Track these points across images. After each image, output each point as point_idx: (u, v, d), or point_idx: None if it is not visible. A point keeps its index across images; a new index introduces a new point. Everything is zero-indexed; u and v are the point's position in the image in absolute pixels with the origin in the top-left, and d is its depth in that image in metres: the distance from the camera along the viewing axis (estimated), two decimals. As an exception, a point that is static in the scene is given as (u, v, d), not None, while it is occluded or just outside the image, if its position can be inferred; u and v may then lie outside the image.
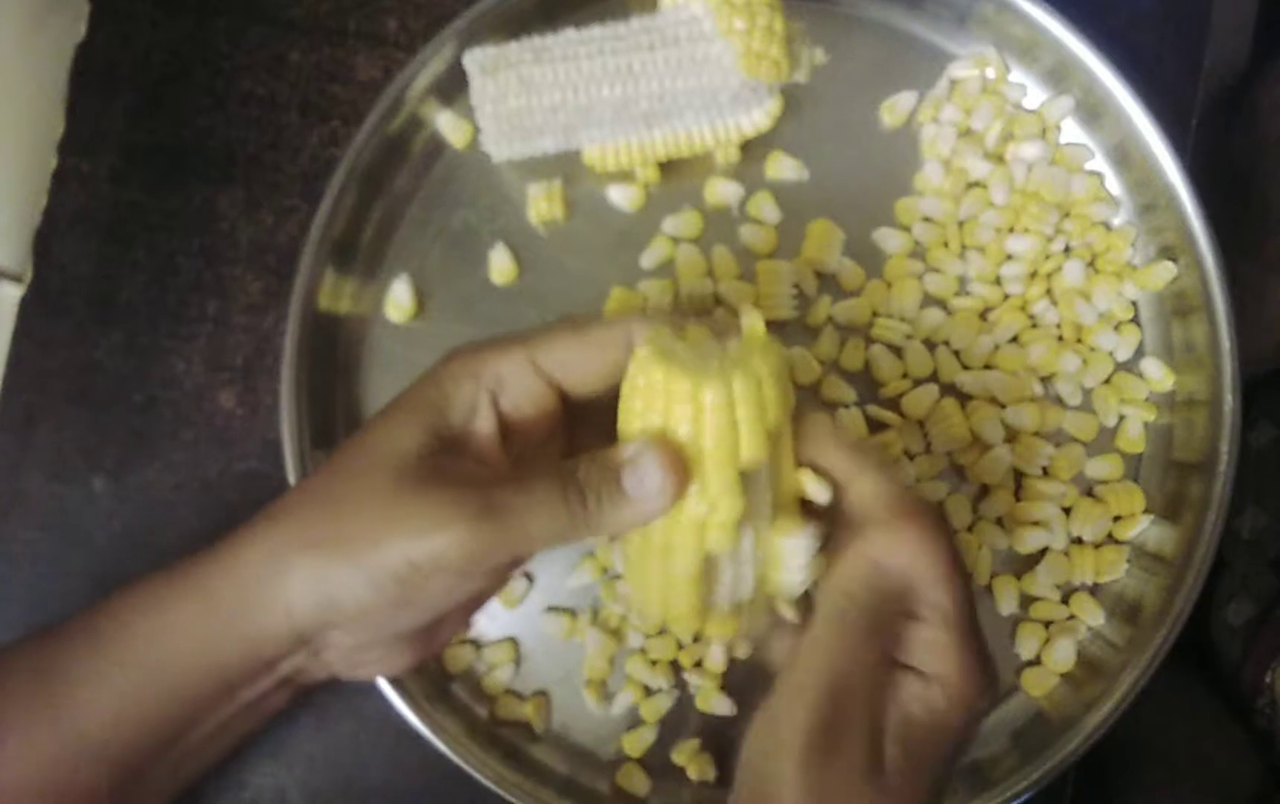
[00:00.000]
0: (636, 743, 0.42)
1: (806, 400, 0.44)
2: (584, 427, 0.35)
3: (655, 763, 0.42)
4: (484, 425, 0.32)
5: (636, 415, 0.31)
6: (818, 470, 0.32)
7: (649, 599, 0.33)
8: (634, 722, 0.43)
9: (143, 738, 0.32)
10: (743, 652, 0.42)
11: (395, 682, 0.40)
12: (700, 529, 0.30)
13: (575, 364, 0.32)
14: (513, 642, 0.43)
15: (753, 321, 0.35)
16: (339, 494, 0.31)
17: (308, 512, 0.31)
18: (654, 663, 0.42)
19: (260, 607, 0.31)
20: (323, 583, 0.30)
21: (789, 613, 0.33)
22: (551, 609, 0.43)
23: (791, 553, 0.31)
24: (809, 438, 0.32)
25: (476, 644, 0.43)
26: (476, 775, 0.40)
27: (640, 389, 0.31)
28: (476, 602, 0.35)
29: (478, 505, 0.30)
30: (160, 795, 0.35)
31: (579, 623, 0.43)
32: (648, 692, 0.42)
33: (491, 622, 0.43)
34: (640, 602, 0.34)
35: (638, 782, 0.42)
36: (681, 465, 0.30)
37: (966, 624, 0.31)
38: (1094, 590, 0.44)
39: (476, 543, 0.29)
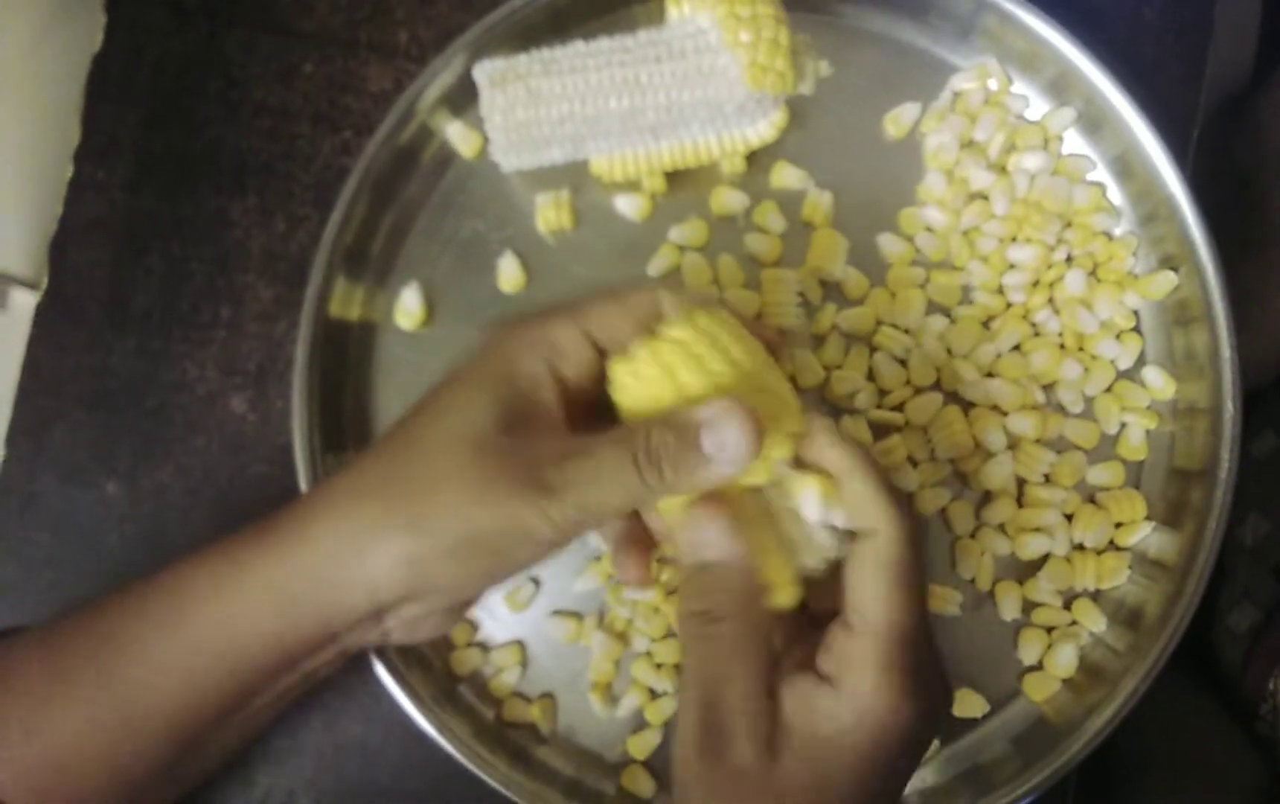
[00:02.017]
0: (642, 745, 0.43)
1: (810, 404, 0.44)
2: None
3: (660, 765, 0.43)
4: (549, 395, 0.33)
5: (645, 385, 0.32)
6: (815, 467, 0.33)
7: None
8: (639, 724, 0.43)
9: (205, 712, 0.33)
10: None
11: (403, 683, 0.40)
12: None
13: (618, 330, 0.33)
14: (520, 645, 0.43)
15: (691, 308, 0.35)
16: (421, 474, 0.31)
17: (389, 490, 0.31)
18: (659, 666, 0.43)
19: (340, 586, 0.31)
20: (414, 563, 0.31)
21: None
22: (558, 613, 0.43)
23: (806, 509, 0.32)
24: (816, 435, 0.33)
25: (484, 647, 0.43)
26: (483, 777, 0.40)
27: (643, 372, 0.32)
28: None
29: (560, 480, 0.30)
30: (216, 757, 0.36)
31: (585, 626, 0.43)
32: (653, 694, 0.43)
33: (498, 625, 0.44)
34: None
35: (643, 784, 0.42)
36: (760, 423, 0.30)
37: (899, 647, 0.30)
38: (1096, 596, 0.44)
39: (562, 517, 0.30)
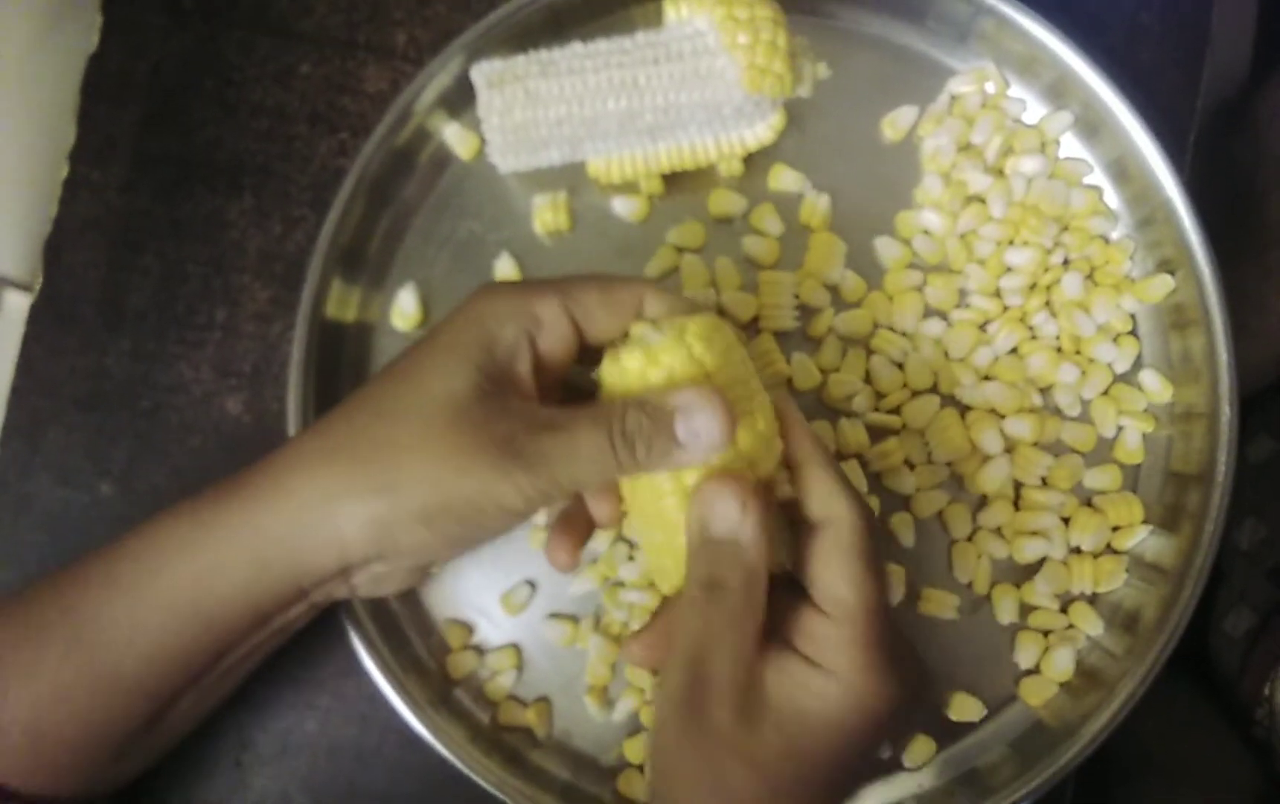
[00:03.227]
0: (638, 749, 0.42)
1: (805, 408, 0.44)
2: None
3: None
4: (525, 366, 0.33)
5: (631, 376, 0.32)
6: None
7: (662, 566, 0.34)
8: (635, 728, 0.43)
9: (176, 672, 0.33)
10: None
11: (399, 686, 0.40)
12: (684, 498, 0.32)
13: (598, 314, 0.34)
14: (515, 648, 0.43)
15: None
16: (396, 437, 0.31)
17: (362, 451, 0.32)
18: (655, 670, 0.43)
19: (310, 545, 0.32)
20: (382, 525, 0.31)
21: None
22: (554, 616, 0.43)
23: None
24: (783, 417, 0.34)
25: (479, 650, 0.43)
26: (478, 781, 0.40)
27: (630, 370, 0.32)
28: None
29: (536, 453, 0.31)
30: (191, 716, 0.36)
31: (581, 630, 0.43)
32: (648, 698, 0.43)
33: (495, 628, 0.43)
34: (656, 569, 0.34)
35: (639, 788, 0.42)
36: (733, 413, 0.31)
37: (873, 627, 0.31)
38: (1093, 600, 0.44)
39: (535, 489, 0.31)
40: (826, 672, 0.31)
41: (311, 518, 0.32)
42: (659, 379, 0.32)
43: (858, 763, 0.32)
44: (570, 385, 0.36)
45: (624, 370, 0.32)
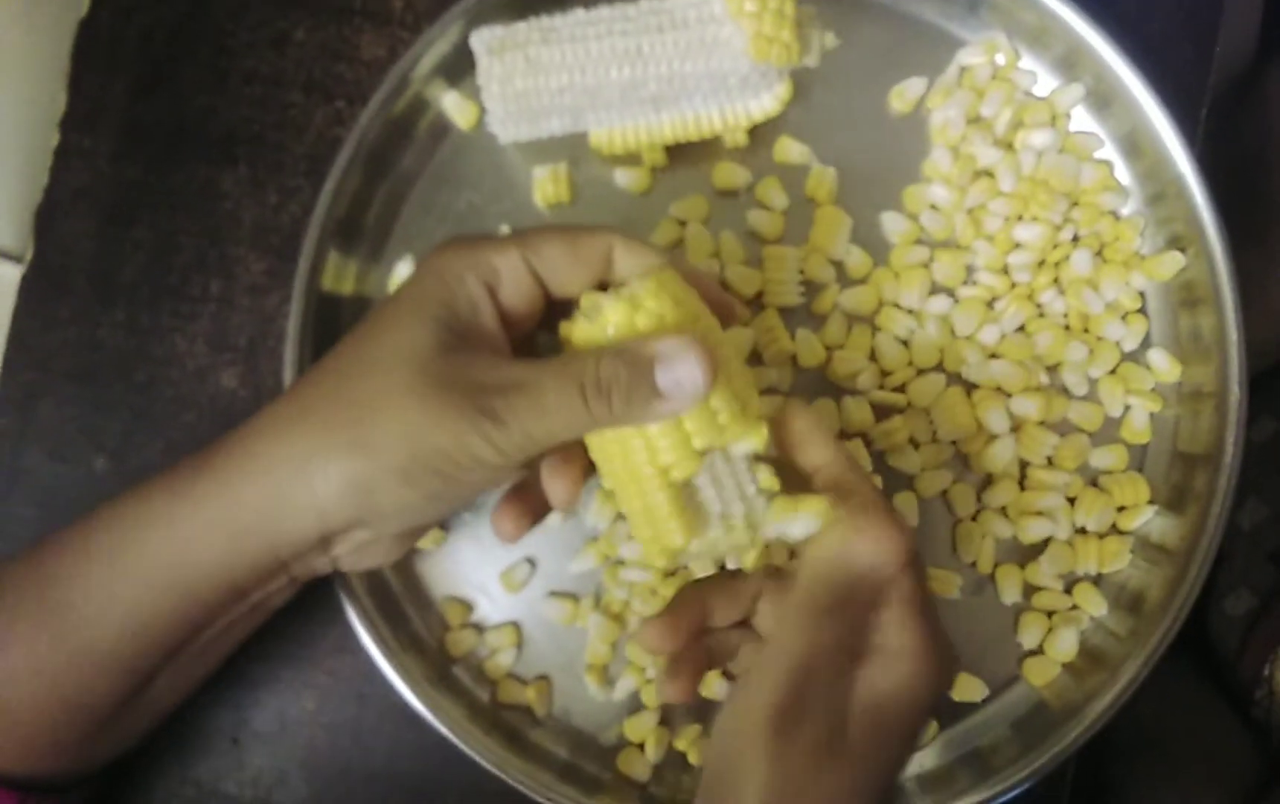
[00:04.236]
0: (637, 728, 0.42)
1: (811, 386, 0.44)
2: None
3: (657, 749, 0.42)
4: (489, 318, 0.32)
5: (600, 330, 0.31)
6: (797, 456, 0.33)
7: (644, 535, 0.32)
8: (635, 707, 0.43)
9: (152, 646, 0.32)
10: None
11: (397, 664, 0.40)
12: (656, 457, 0.31)
13: (562, 267, 0.33)
14: (515, 626, 0.43)
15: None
16: (364, 394, 0.31)
17: (332, 412, 0.31)
18: (665, 654, 0.42)
19: (287, 513, 0.31)
20: (360, 486, 0.30)
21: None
22: (554, 594, 0.43)
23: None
24: (790, 428, 0.33)
25: (479, 628, 0.43)
26: (478, 759, 0.40)
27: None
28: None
29: (505, 408, 0.30)
30: (170, 699, 0.36)
31: (581, 608, 0.43)
32: (649, 677, 0.42)
33: (494, 606, 0.43)
34: (641, 540, 0.33)
35: (638, 767, 0.42)
36: (714, 360, 0.30)
37: (928, 607, 0.32)
38: (1097, 581, 0.44)
39: (508, 442, 0.30)
40: (899, 653, 0.31)
41: (287, 484, 0.31)
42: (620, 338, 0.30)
43: (921, 731, 0.33)
44: (546, 349, 0.35)
45: (585, 331, 0.31)
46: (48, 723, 0.32)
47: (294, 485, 0.31)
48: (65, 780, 0.34)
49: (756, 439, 0.31)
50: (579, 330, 0.31)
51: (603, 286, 0.33)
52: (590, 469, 0.33)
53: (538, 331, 0.35)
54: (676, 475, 0.31)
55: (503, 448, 0.30)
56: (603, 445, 0.32)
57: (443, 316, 0.31)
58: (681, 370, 0.30)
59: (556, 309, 0.34)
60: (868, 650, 0.32)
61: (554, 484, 0.33)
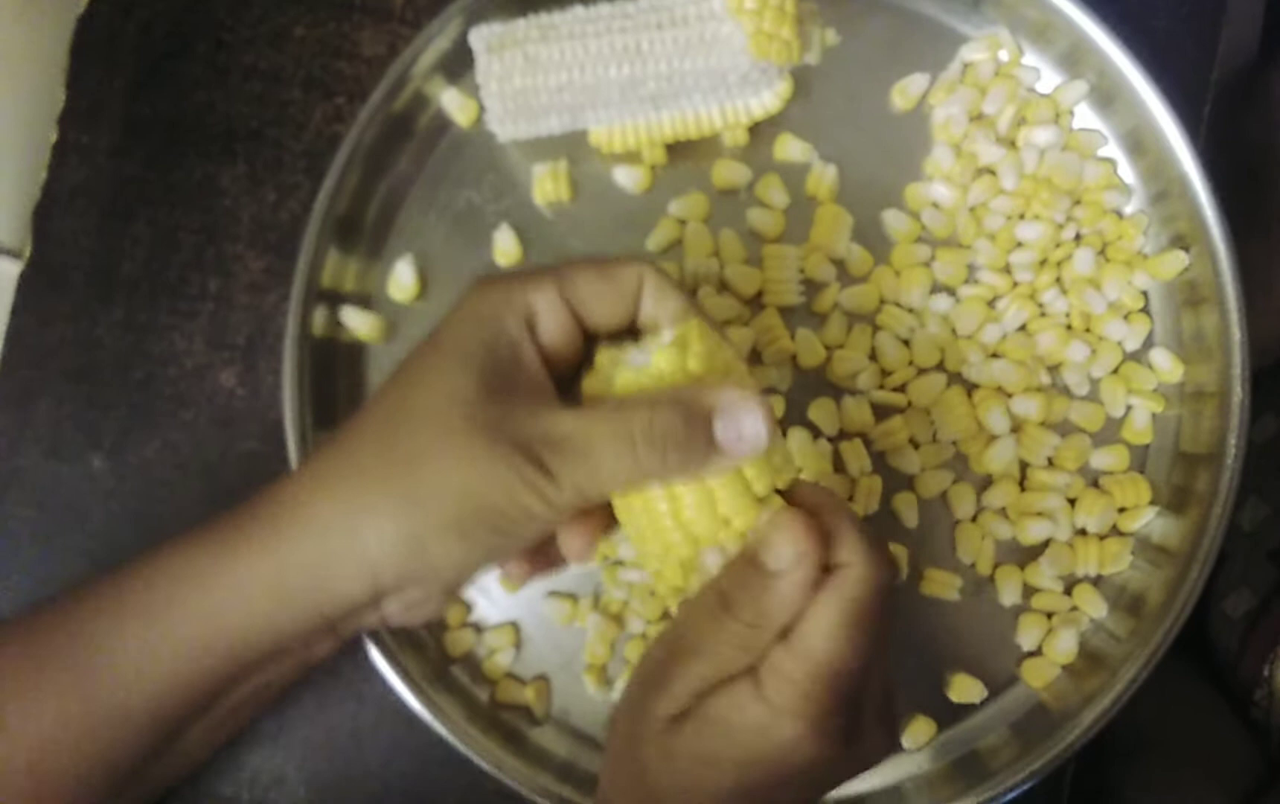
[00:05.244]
0: (637, 728, 0.42)
1: (810, 385, 0.43)
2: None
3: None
4: (530, 359, 0.31)
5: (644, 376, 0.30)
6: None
7: (658, 572, 0.32)
8: (635, 707, 0.43)
9: (187, 706, 0.31)
10: None
11: (396, 664, 0.40)
12: (693, 534, 0.30)
13: (598, 300, 0.32)
14: (514, 626, 0.43)
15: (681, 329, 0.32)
16: (413, 448, 0.29)
17: (382, 467, 0.30)
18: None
19: (336, 574, 0.30)
20: (412, 541, 0.29)
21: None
22: (553, 594, 0.43)
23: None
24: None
25: (478, 628, 0.43)
26: (476, 759, 0.40)
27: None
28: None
29: (556, 463, 0.29)
30: (200, 747, 0.34)
31: (580, 608, 0.43)
32: (649, 677, 0.42)
33: (493, 606, 0.43)
34: (653, 573, 0.33)
35: (638, 766, 0.42)
36: (772, 414, 0.29)
37: (832, 684, 0.28)
38: (1097, 582, 0.43)
39: (557, 496, 0.29)
40: (767, 702, 0.28)
41: (337, 541, 0.29)
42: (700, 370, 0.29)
43: (766, 793, 0.30)
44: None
45: (632, 378, 0.30)
46: (75, 781, 0.31)
47: (342, 544, 0.29)
48: None
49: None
50: (624, 377, 0.30)
51: (631, 330, 0.32)
52: (612, 522, 0.32)
53: (583, 367, 0.34)
54: (726, 537, 0.30)
55: (554, 502, 0.29)
56: (628, 502, 0.30)
57: (486, 361, 0.30)
58: (745, 422, 0.28)
59: (593, 344, 0.33)
60: (759, 675, 0.29)
61: (573, 539, 0.32)
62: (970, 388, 0.43)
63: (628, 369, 0.30)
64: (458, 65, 0.43)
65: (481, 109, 0.43)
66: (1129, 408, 0.44)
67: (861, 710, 0.30)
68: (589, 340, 0.32)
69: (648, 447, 0.28)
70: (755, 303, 0.44)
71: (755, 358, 0.44)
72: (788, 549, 0.29)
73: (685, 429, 0.28)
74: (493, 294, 0.31)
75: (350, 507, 0.30)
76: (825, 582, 0.29)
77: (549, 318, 0.31)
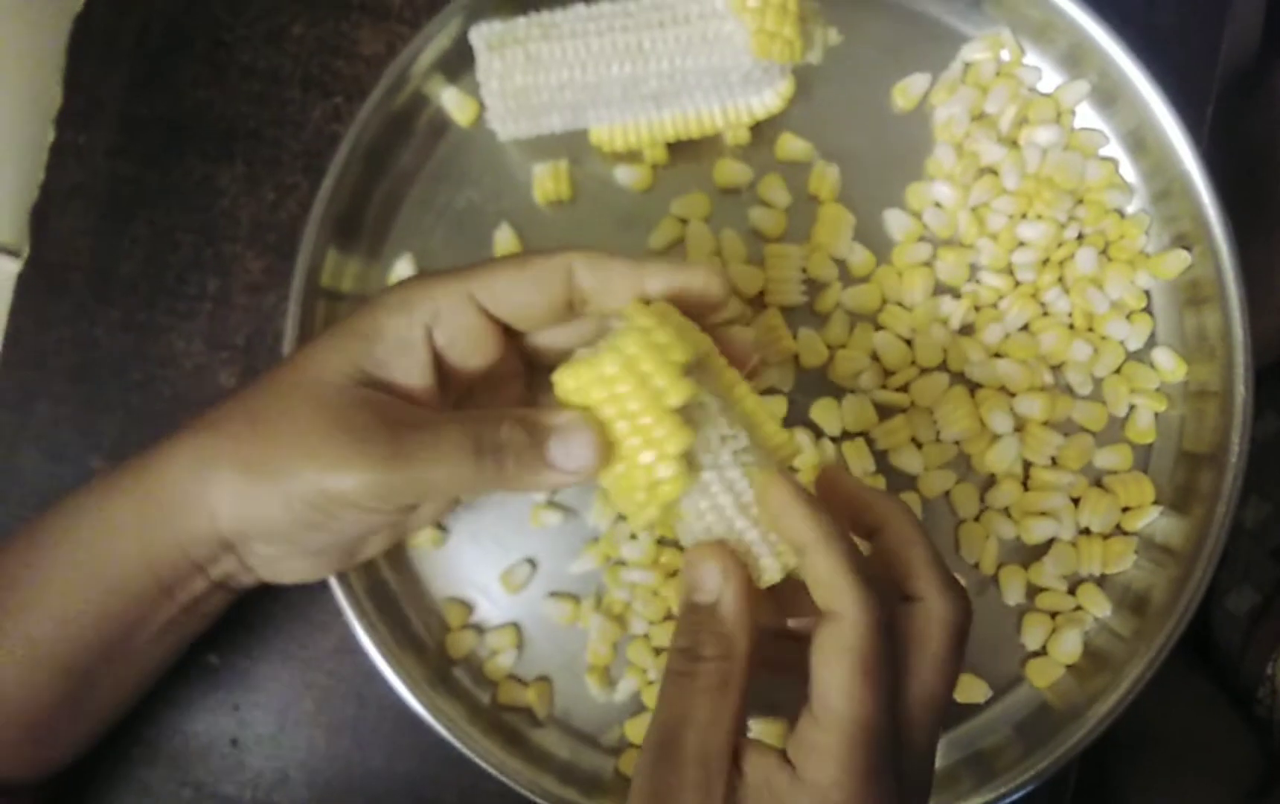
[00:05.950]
0: (639, 729, 0.42)
1: (812, 385, 0.43)
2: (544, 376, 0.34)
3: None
4: (415, 360, 0.32)
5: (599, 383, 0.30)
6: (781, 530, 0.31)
7: (634, 517, 0.32)
8: (636, 708, 0.42)
9: (88, 637, 0.33)
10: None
11: (397, 666, 0.39)
12: (652, 478, 0.30)
13: (515, 297, 0.32)
14: (515, 627, 0.43)
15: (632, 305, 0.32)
16: (263, 414, 0.32)
17: (234, 425, 0.32)
18: (657, 650, 0.42)
19: (187, 510, 0.32)
20: (241, 498, 0.32)
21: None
22: (554, 595, 0.43)
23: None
24: (771, 500, 0.30)
25: (479, 629, 0.43)
26: (478, 761, 0.39)
27: (571, 391, 0.31)
28: (397, 529, 0.36)
29: (386, 448, 0.30)
30: (112, 704, 0.36)
31: (582, 609, 0.42)
32: (650, 678, 0.42)
33: (494, 607, 0.43)
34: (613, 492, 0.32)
35: (640, 768, 0.42)
36: (608, 450, 0.30)
37: (864, 742, 0.27)
38: (1101, 581, 0.43)
39: (380, 486, 0.30)
40: (800, 780, 0.28)
41: (185, 484, 0.32)
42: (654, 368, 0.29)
43: None
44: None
45: (578, 380, 0.30)
46: None
47: (193, 486, 0.32)
48: (8, 784, 0.35)
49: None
50: (559, 375, 0.30)
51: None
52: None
53: (534, 375, 0.35)
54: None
55: (382, 494, 0.30)
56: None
57: (359, 353, 0.32)
58: (575, 446, 0.30)
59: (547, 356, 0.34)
60: (787, 751, 0.29)
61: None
62: (973, 387, 0.43)
63: (565, 367, 0.30)
64: (457, 64, 0.43)
65: (481, 108, 0.43)
66: (1132, 407, 0.44)
67: (892, 760, 0.29)
68: (518, 337, 0.34)
69: (489, 455, 0.30)
70: (757, 303, 0.44)
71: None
72: (710, 578, 0.30)
73: (526, 443, 0.30)
74: (395, 292, 0.33)
75: (201, 454, 0.32)
76: (823, 632, 0.28)
77: (451, 319, 0.32)
